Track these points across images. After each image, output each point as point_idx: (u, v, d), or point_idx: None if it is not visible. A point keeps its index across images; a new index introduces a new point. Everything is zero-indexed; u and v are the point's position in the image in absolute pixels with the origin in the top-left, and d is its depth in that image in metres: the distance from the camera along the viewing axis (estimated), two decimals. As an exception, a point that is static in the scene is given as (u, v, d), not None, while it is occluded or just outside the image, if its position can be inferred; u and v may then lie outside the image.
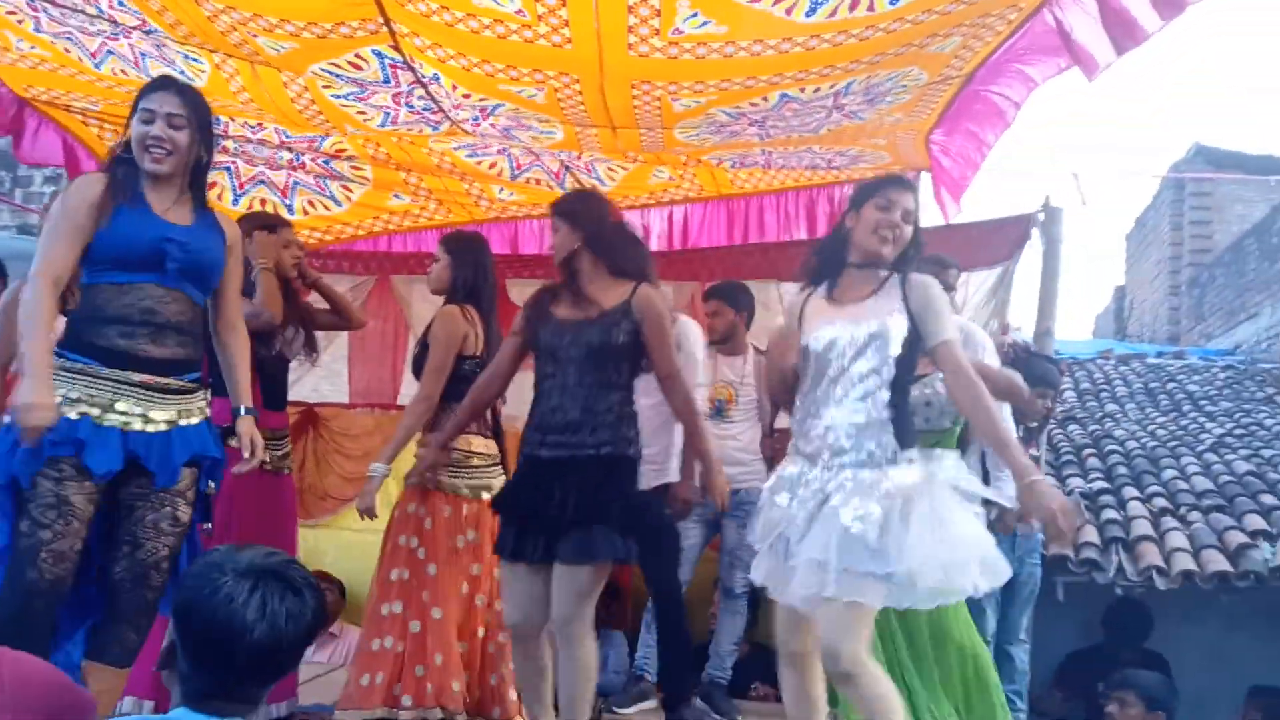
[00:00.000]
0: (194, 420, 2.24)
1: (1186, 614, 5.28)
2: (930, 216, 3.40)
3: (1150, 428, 7.27)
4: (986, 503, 2.51)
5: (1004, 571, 2.17)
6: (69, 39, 2.89)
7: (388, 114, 3.26)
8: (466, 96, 2.97)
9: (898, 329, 2.25)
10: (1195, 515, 5.49)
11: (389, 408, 4.58)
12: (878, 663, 2.25)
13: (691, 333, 3.46)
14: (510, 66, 2.71)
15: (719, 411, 3.69)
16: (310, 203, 4.33)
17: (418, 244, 4.71)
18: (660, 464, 3.27)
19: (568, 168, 3.96)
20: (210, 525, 2.39)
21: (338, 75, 2.91)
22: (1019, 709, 3.57)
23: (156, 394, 2.17)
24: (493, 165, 3.90)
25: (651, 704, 3.47)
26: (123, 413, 2.13)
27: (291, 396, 3.44)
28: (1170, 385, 8.53)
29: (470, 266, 3.04)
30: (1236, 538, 5.10)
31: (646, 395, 2.69)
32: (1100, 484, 6.01)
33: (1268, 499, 5.58)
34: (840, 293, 2.37)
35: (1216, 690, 4.98)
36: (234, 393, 2.42)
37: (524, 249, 4.60)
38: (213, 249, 2.27)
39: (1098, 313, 14.52)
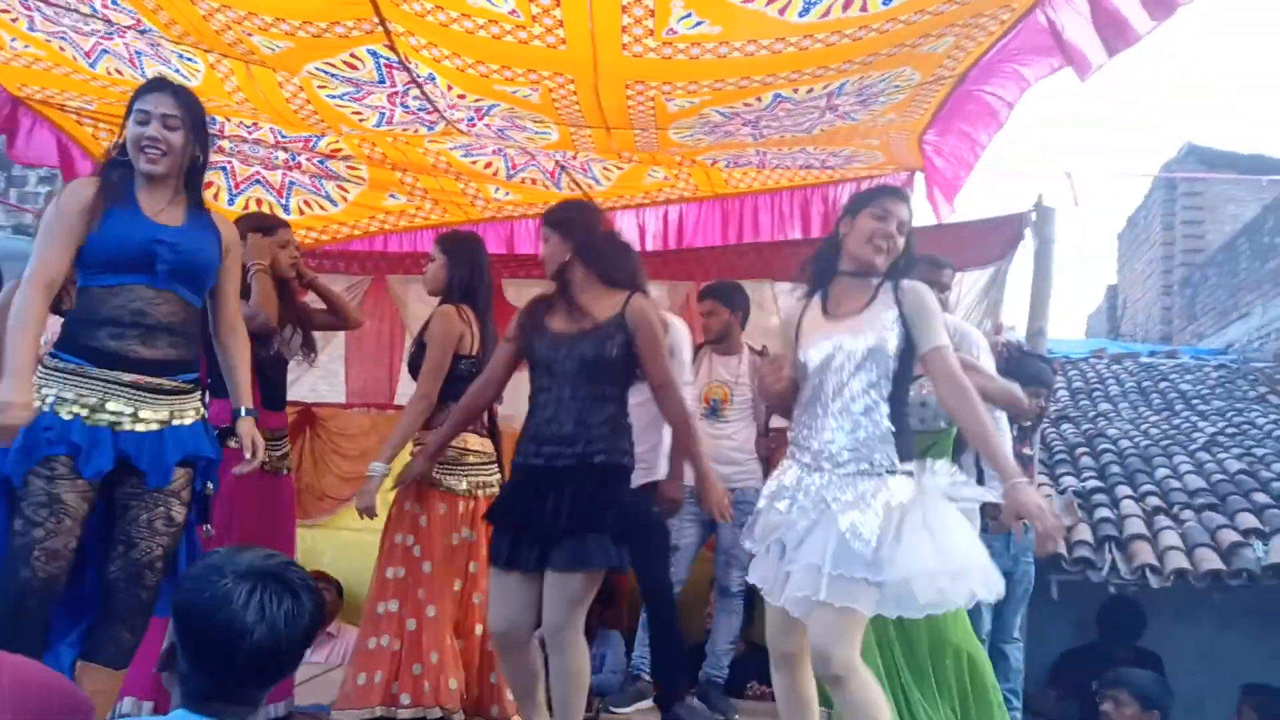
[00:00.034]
0: (188, 420, 2.24)
1: (1180, 612, 5.31)
2: (923, 216, 3.42)
3: (1143, 426, 7.30)
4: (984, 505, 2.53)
5: (998, 583, 2.19)
6: (63, 38, 2.88)
7: (383, 114, 3.26)
8: (461, 97, 2.97)
9: (894, 340, 2.27)
10: (1188, 514, 5.52)
11: (386, 407, 4.59)
12: (873, 668, 2.27)
13: (679, 333, 3.47)
14: (505, 67, 2.72)
15: (714, 411, 3.70)
16: (306, 202, 4.33)
17: (414, 244, 4.72)
18: (649, 462, 3.27)
19: (563, 167, 3.97)
20: (211, 527, 2.39)
21: (333, 75, 2.91)
22: (1014, 707, 3.59)
23: (148, 394, 2.18)
24: (488, 165, 3.90)
25: (649, 703, 3.47)
26: (113, 412, 2.14)
27: (289, 397, 3.44)
28: (1163, 384, 8.56)
29: (466, 266, 3.05)
30: (1229, 536, 5.13)
31: (634, 393, 2.70)
32: (1094, 483, 6.03)
33: (1260, 497, 5.61)
34: (835, 303, 2.39)
35: (1210, 688, 5.01)
36: (234, 394, 2.43)
37: (520, 249, 4.61)
38: (205, 250, 2.28)
39: (1090, 312, 14.56)
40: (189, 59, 2.95)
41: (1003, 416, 3.32)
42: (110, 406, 2.14)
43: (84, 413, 2.12)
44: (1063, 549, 5.12)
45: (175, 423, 2.22)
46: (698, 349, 3.85)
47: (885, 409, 2.26)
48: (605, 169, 4.00)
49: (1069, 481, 6.05)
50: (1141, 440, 6.90)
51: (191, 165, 2.30)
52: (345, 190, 4.27)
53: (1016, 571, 3.73)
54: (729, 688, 3.67)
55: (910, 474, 2.23)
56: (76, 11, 2.67)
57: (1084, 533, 5.30)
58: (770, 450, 3.76)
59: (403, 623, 2.87)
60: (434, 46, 2.62)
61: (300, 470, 4.32)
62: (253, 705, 1.46)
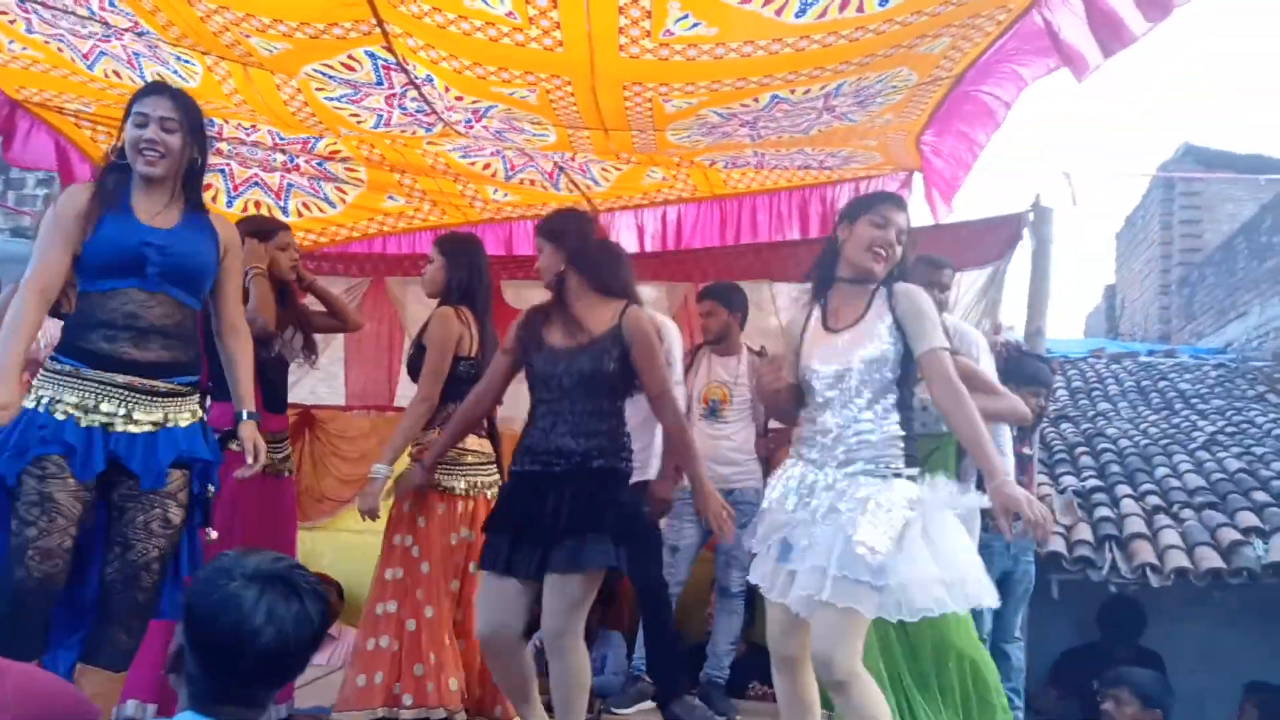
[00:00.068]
0: (184, 422, 2.25)
1: (1180, 611, 5.31)
2: (921, 216, 3.43)
3: (1142, 426, 7.31)
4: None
5: (991, 594, 2.22)
6: (61, 40, 2.89)
7: (380, 116, 3.26)
8: (459, 99, 2.97)
9: (892, 348, 2.29)
10: (1188, 513, 5.52)
11: (385, 409, 4.59)
12: (875, 671, 2.28)
13: (669, 333, 3.47)
14: (502, 69, 2.72)
15: (713, 412, 3.71)
16: (305, 204, 4.33)
17: (412, 245, 4.72)
18: (641, 462, 3.28)
19: (561, 169, 3.97)
20: (213, 530, 2.39)
21: (331, 77, 2.91)
22: (1016, 706, 3.59)
23: (143, 396, 2.19)
24: (486, 166, 3.91)
25: (650, 704, 3.47)
26: (106, 414, 2.16)
27: (289, 399, 3.44)
28: (1162, 383, 8.57)
29: (465, 268, 3.05)
30: (1229, 535, 5.13)
31: None
32: (1093, 482, 6.04)
33: (1260, 496, 5.62)
34: (834, 313, 2.40)
35: (1211, 687, 5.01)
36: (235, 396, 2.43)
37: (518, 250, 4.61)
38: (199, 252, 2.28)
39: (1089, 312, 14.58)
40: (186, 60, 2.95)
41: (1004, 425, 3.32)
42: (103, 408, 2.16)
43: (77, 414, 2.14)
44: (1063, 548, 5.12)
45: (170, 425, 2.22)
46: (697, 349, 3.86)
47: (892, 414, 2.28)
48: (604, 170, 4.00)
49: (1069, 481, 6.06)
50: (1141, 439, 6.90)
51: (189, 168, 2.31)
52: (344, 192, 4.27)
53: (1017, 571, 3.73)
54: (730, 688, 3.67)
55: (914, 478, 2.25)
56: (74, 14, 2.68)
57: (1084, 532, 5.31)
58: (770, 450, 3.76)
59: (401, 624, 2.87)
60: (431, 48, 2.63)
61: (300, 473, 4.32)
62: (260, 707, 1.47)
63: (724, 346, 3.73)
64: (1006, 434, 3.42)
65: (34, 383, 2.22)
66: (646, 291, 4.37)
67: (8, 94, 3.36)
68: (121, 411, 2.17)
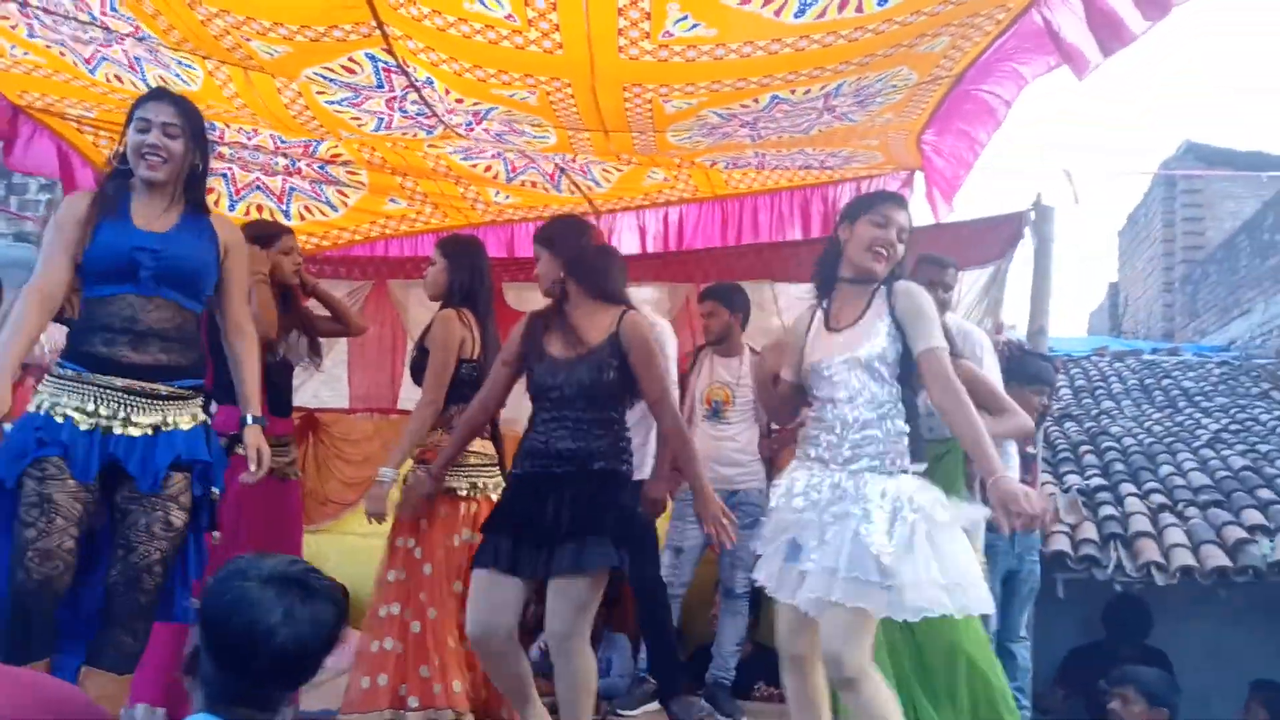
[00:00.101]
0: (184, 425, 2.26)
1: (1186, 610, 5.30)
2: (922, 215, 3.42)
3: (1146, 424, 7.30)
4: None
5: (987, 600, 2.24)
6: (63, 45, 2.90)
7: (381, 119, 3.27)
8: (460, 101, 2.98)
9: (891, 347, 2.29)
10: (1193, 511, 5.51)
11: (389, 412, 4.60)
12: (883, 673, 2.26)
13: (664, 335, 3.48)
14: (502, 71, 2.72)
15: (716, 413, 3.71)
16: (306, 208, 4.34)
17: (414, 248, 4.72)
18: (636, 461, 3.28)
19: (563, 170, 3.98)
20: (219, 533, 2.39)
21: (331, 80, 2.92)
22: (1023, 706, 3.58)
23: (142, 399, 2.21)
24: (488, 169, 3.91)
25: (656, 706, 3.47)
26: (105, 416, 2.18)
27: (293, 402, 3.45)
28: (1165, 381, 8.56)
29: (466, 270, 3.05)
30: (1234, 533, 5.12)
31: None
32: (1097, 480, 6.03)
33: (1265, 494, 5.60)
34: (837, 313, 2.41)
35: (1217, 685, 5.00)
36: (241, 399, 2.44)
37: (520, 252, 4.61)
38: (195, 254, 2.30)
39: (1092, 310, 14.57)
40: (188, 65, 2.96)
41: (1010, 442, 3.30)
42: (102, 411, 2.18)
43: (77, 416, 2.16)
44: (1068, 547, 5.12)
45: (169, 428, 2.23)
46: (698, 350, 3.86)
47: (893, 412, 2.28)
48: (605, 171, 4.01)
49: (1073, 480, 6.05)
50: (1145, 438, 6.89)
51: (191, 173, 2.33)
52: (345, 195, 4.27)
53: (1022, 570, 3.73)
54: (736, 689, 3.67)
55: (921, 475, 2.26)
56: (75, 19, 2.68)
57: (1089, 531, 5.30)
58: (773, 451, 3.76)
59: (405, 625, 2.88)
60: (431, 50, 2.63)
61: (304, 476, 4.33)
62: (275, 709, 1.48)
63: (726, 347, 3.74)
64: (1014, 462, 3.40)
65: (38, 387, 2.25)
66: (648, 292, 4.39)
67: (10, 99, 3.38)
68: (120, 415, 2.19)
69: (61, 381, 2.20)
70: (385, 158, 3.81)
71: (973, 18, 2.50)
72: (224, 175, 4.04)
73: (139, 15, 2.61)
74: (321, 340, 3.42)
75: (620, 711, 3.42)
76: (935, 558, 2.16)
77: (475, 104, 2.99)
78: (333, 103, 3.14)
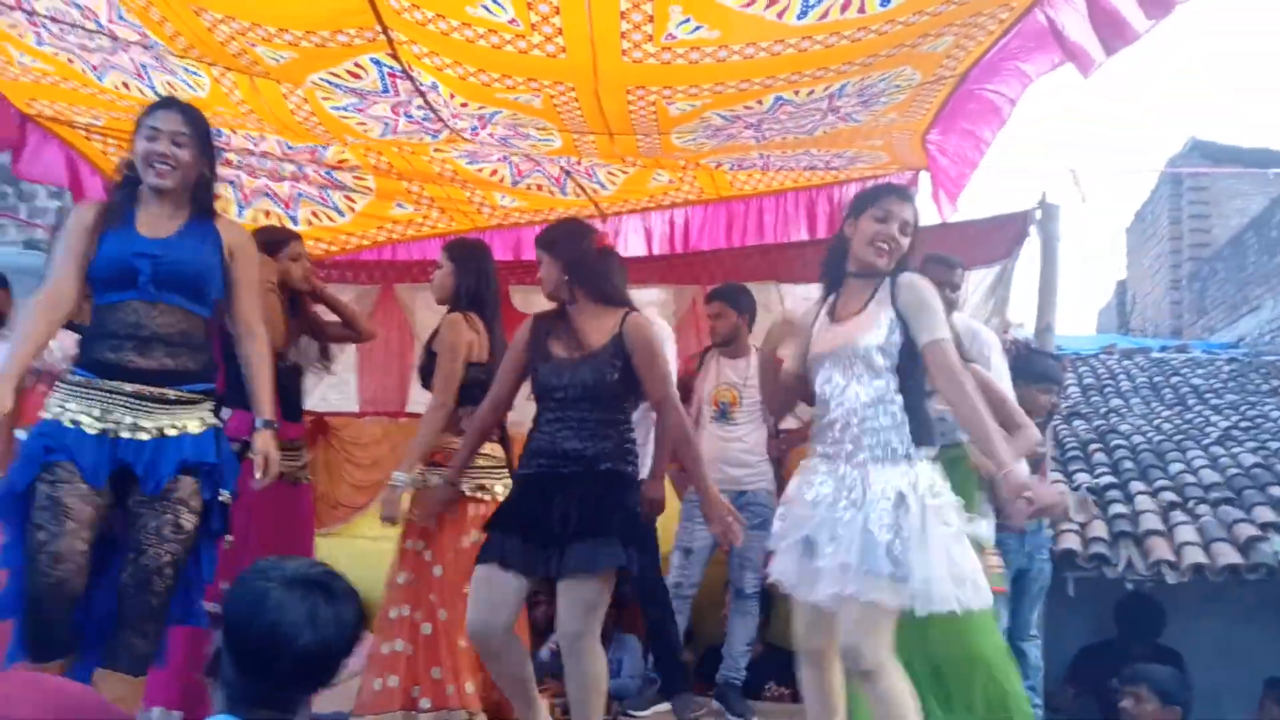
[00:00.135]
0: (194, 429, 2.28)
1: (1197, 608, 5.27)
2: (927, 215, 3.42)
3: (1155, 422, 7.27)
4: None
5: (986, 594, 2.24)
6: (70, 52, 2.92)
7: (387, 124, 3.29)
8: (464, 105, 2.99)
9: (893, 336, 2.29)
10: (1203, 508, 5.49)
11: (398, 415, 4.61)
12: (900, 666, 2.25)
13: (663, 337, 3.48)
14: (506, 76, 2.74)
15: (723, 414, 3.71)
16: (314, 214, 4.36)
17: (422, 252, 4.74)
18: None
19: (568, 173, 3.99)
20: (230, 537, 2.41)
21: (337, 85, 2.93)
22: (1034, 705, 3.56)
23: (151, 404, 2.24)
24: (494, 172, 3.93)
25: (667, 706, 3.48)
26: (114, 421, 2.21)
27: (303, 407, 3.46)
28: (1174, 379, 8.53)
29: (473, 274, 3.07)
30: (1246, 530, 5.10)
31: None
32: (1107, 479, 6.01)
33: (1276, 491, 5.57)
34: (842, 305, 2.42)
35: (1230, 683, 4.97)
36: (253, 402, 2.46)
37: (527, 255, 4.62)
38: (197, 258, 2.32)
39: (1100, 308, 14.52)
40: (194, 72, 2.98)
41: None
42: (112, 416, 2.22)
43: (85, 421, 2.20)
44: (1078, 546, 5.10)
45: (178, 432, 2.26)
46: (705, 352, 3.87)
47: (894, 403, 2.28)
48: (610, 173, 4.02)
49: (1082, 478, 6.03)
50: (1154, 435, 6.86)
51: (199, 181, 2.37)
52: (352, 201, 4.30)
53: (1032, 569, 3.71)
54: (747, 689, 3.66)
55: (928, 460, 2.25)
56: (82, 28, 2.71)
57: (1099, 529, 5.28)
58: (781, 452, 3.76)
59: (415, 627, 2.89)
60: (436, 55, 2.65)
61: (314, 480, 4.35)
62: (295, 711, 1.49)
63: (733, 348, 3.74)
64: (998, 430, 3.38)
65: (51, 394, 2.29)
66: (654, 294, 4.40)
67: (19, 108, 3.40)
68: (128, 419, 2.22)
69: (72, 388, 2.24)
70: (391, 163, 3.82)
71: (975, 17, 2.51)
72: (231, 182, 4.06)
73: (146, 22, 2.63)
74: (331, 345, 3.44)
75: (631, 712, 3.43)
76: (947, 551, 2.16)
77: (480, 108, 3.00)
78: (338, 108, 3.16)
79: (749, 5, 2.31)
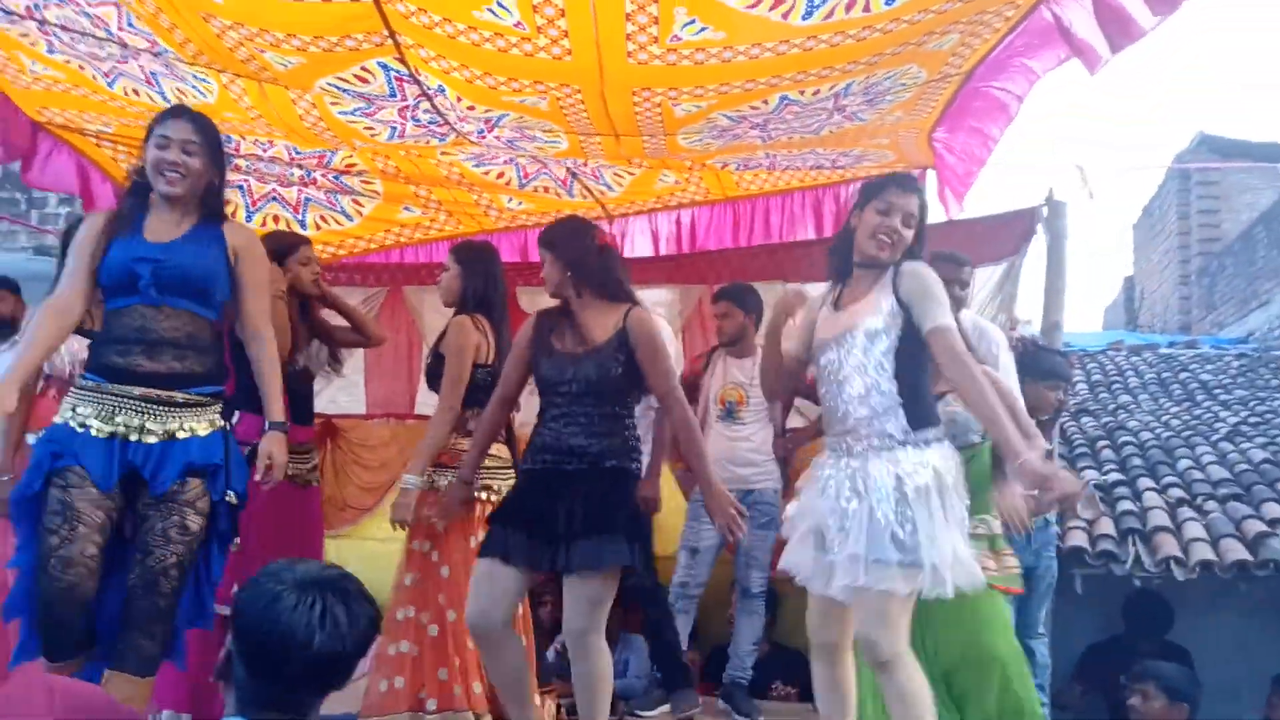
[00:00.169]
0: (202, 431, 2.31)
1: (1206, 604, 5.25)
2: (934, 213, 3.41)
3: (1164, 418, 7.24)
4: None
5: (979, 577, 2.24)
6: (81, 59, 2.94)
7: (394, 128, 3.30)
8: (471, 108, 3.00)
9: (892, 321, 2.29)
10: (1212, 505, 5.47)
11: (406, 418, 4.64)
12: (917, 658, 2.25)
13: (665, 336, 3.49)
14: (512, 79, 2.75)
15: (730, 414, 3.72)
16: (322, 218, 4.38)
17: (429, 255, 4.76)
18: None
19: (575, 175, 4.00)
20: (237, 539, 2.43)
21: (344, 90, 2.95)
22: (1042, 703, 3.56)
23: (160, 407, 2.27)
24: (500, 175, 3.94)
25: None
26: (123, 425, 2.24)
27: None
28: (1183, 375, 8.49)
29: (480, 276, 3.08)
30: (1255, 526, 5.08)
31: None
32: (1115, 475, 5.99)
33: (1285, 487, 5.55)
34: (847, 295, 2.43)
35: (1240, 680, 4.96)
36: (264, 405, 2.47)
37: (533, 257, 4.59)
38: (200, 261, 2.34)
39: (1108, 304, 14.47)
40: (203, 78, 3.00)
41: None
42: (120, 419, 2.24)
43: (96, 425, 2.23)
44: (1085, 543, 5.09)
45: (186, 434, 2.29)
46: (712, 352, 3.87)
47: (891, 383, 2.27)
48: (616, 175, 4.02)
49: (1090, 474, 6.00)
50: (1163, 432, 6.84)
51: (208, 188, 2.39)
52: (360, 204, 4.31)
53: (1039, 566, 3.71)
54: (753, 689, 3.67)
55: (929, 442, 2.24)
56: (92, 36, 2.73)
57: (1106, 526, 5.26)
58: (788, 450, 3.77)
59: (422, 629, 2.90)
60: (443, 58, 2.66)
61: (322, 482, 4.37)
62: (306, 713, 1.50)
63: (739, 348, 3.74)
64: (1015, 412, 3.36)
65: (63, 400, 2.32)
66: (661, 294, 4.41)
67: (30, 116, 3.43)
68: (136, 423, 2.25)
69: (82, 393, 2.28)
70: (399, 166, 3.84)
71: (981, 15, 2.51)
72: (240, 187, 4.08)
73: (156, 30, 2.64)
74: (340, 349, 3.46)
75: (637, 712, 3.44)
76: (947, 530, 2.16)
77: (487, 111, 3.01)
78: (346, 113, 3.17)
79: (754, 6, 2.32)
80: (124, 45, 2.77)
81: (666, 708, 3.48)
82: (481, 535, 2.97)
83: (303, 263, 3.20)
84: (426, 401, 4.02)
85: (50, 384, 2.97)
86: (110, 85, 3.10)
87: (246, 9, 2.49)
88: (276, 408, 2.45)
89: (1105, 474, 6.02)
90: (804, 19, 2.36)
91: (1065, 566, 4.30)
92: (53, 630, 2.18)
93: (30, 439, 2.80)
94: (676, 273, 4.46)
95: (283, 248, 3.18)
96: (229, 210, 2.54)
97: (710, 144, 3.40)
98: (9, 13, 2.64)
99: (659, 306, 4.33)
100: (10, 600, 2.25)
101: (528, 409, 3.23)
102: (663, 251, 4.56)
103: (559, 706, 3.29)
